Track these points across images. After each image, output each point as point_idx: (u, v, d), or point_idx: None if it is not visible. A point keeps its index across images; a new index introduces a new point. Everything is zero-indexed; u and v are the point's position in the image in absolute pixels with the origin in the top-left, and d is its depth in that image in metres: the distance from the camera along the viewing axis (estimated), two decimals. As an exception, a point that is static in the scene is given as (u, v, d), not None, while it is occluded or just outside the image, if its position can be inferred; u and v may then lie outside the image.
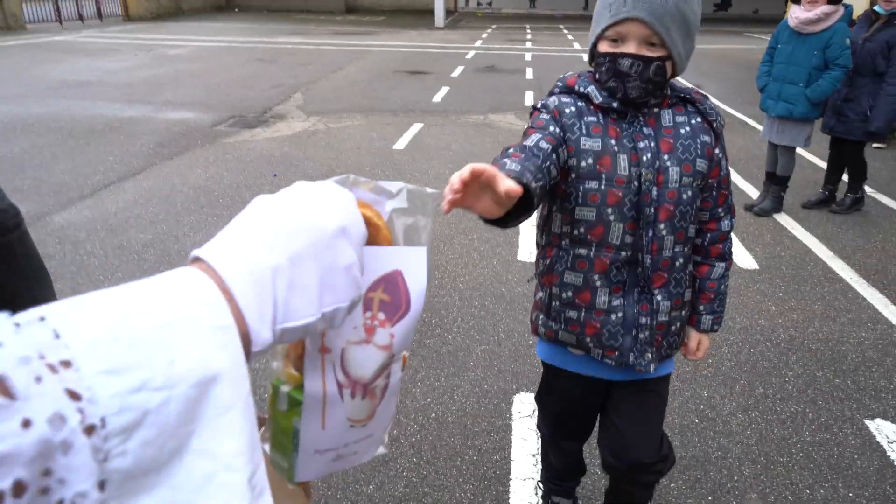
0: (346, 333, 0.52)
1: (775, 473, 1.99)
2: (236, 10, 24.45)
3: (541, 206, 1.39)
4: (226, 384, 0.35)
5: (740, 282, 3.24)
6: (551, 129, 1.21)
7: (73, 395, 0.29)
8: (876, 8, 3.70)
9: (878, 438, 2.13)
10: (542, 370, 1.57)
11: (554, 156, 1.17)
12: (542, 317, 1.40)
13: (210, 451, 0.34)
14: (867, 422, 2.22)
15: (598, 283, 1.27)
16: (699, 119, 1.26)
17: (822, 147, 4.70)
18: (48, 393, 0.28)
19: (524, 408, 2.29)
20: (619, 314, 1.29)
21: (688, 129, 1.24)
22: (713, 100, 2.36)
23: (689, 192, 1.23)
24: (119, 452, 0.30)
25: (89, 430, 0.29)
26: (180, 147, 5.60)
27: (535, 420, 2.22)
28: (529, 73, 10.07)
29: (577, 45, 14.32)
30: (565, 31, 17.97)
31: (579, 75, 1.29)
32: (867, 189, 4.55)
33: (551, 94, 1.31)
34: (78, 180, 4.68)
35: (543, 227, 1.40)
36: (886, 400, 2.34)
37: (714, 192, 1.31)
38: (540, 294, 1.41)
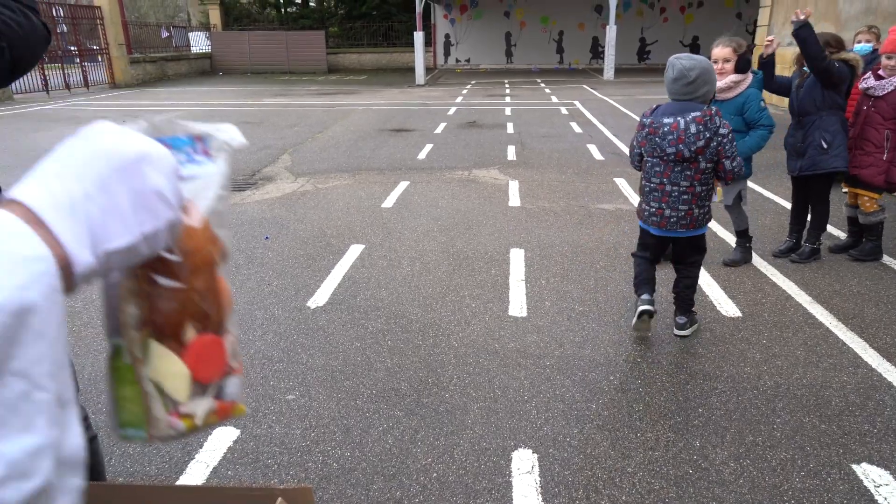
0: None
1: (770, 521, 2.05)
2: (220, 73, 25.05)
3: None
4: (40, 312, 0.38)
5: (725, 330, 3.35)
6: None
7: None
8: (805, 67, 4.04)
9: (866, 483, 2.21)
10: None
11: None
12: None
13: (25, 372, 0.37)
14: (854, 466, 2.29)
15: None
16: None
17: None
18: None
19: (523, 464, 2.34)
20: None
21: None
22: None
23: None
24: None
25: None
26: (172, 212, 5.69)
27: (534, 476, 2.27)
28: (510, 128, 10.40)
29: (554, 99, 14.82)
30: (542, 85, 18.61)
31: None
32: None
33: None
34: (71, 249, 4.73)
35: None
36: (871, 444, 2.42)
37: None
38: None
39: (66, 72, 17.49)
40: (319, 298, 3.81)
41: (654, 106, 3.11)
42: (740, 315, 3.52)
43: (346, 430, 2.56)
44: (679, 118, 2.93)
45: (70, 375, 0.43)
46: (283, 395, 2.81)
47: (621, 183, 6.55)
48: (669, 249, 3.45)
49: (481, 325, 3.45)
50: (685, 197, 3.02)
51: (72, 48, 18.47)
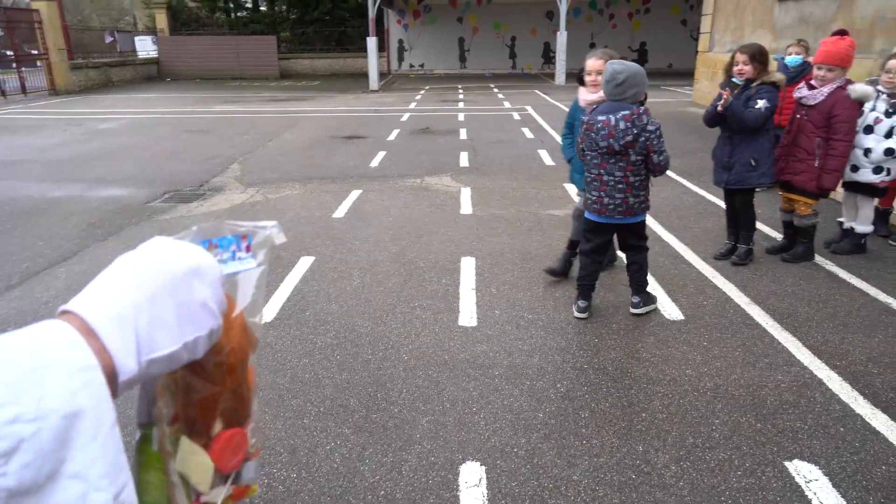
0: None
1: (708, 523, 2.11)
2: (168, 79, 24.40)
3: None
4: (90, 417, 0.41)
5: (668, 333, 3.44)
6: None
7: None
8: (733, 79, 4.17)
9: (797, 479, 2.30)
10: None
11: None
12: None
13: (80, 474, 0.40)
14: (786, 463, 2.38)
15: None
16: None
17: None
18: None
19: (470, 477, 2.35)
20: None
21: None
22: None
23: None
24: (1, 474, 0.37)
25: None
26: (114, 227, 5.52)
27: (482, 489, 2.28)
28: (463, 134, 10.46)
29: (507, 104, 14.98)
30: (496, 90, 18.78)
31: None
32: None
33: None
34: (4, 269, 4.53)
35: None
36: (802, 441, 2.52)
37: None
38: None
39: (1, 77, 16.73)
40: (267, 314, 3.74)
41: (595, 106, 3.48)
42: (683, 318, 3.63)
43: (293, 450, 2.52)
44: (611, 115, 3.30)
45: (129, 476, 0.46)
46: (229, 415, 2.74)
47: (570, 188, 6.66)
48: (612, 252, 3.78)
49: (431, 337, 3.45)
50: (620, 186, 3.39)
51: (8, 53, 17.69)
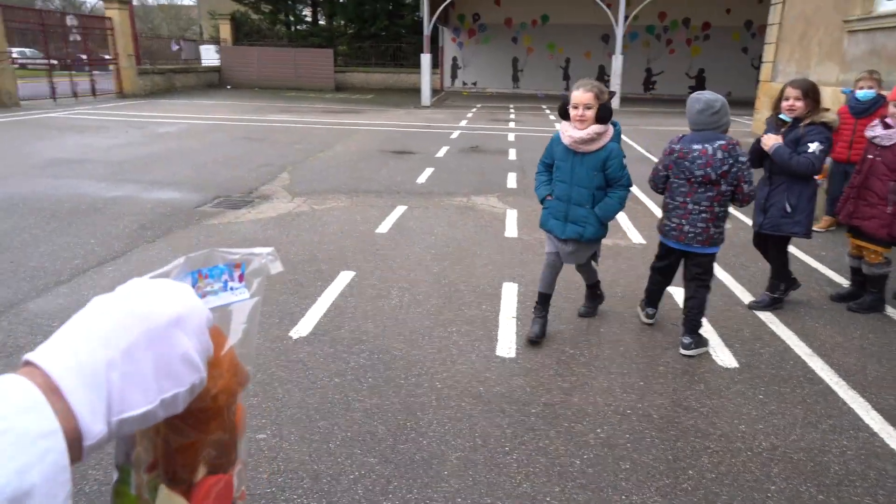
0: None
1: None
2: (229, 87, 25.20)
3: None
4: (41, 495, 0.37)
5: (720, 382, 3.22)
6: None
7: None
8: (781, 116, 3.88)
9: (865, 563, 2.06)
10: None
11: None
12: None
13: None
14: (853, 543, 2.15)
15: None
16: None
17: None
18: None
19: (500, 525, 2.20)
20: None
21: None
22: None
23: None
24: None
25: None
26: (163, 229, 5.61)
27: (510, 541, 2.13)
28: (513, 154, 10.35)
29: (558, 126, 14.77)
30: (547, 111, 18.64)
31: None
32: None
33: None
34: (56, 264, 4.63)
35: None
36: (871, 517, 2.28)
37: None
38: None
39: (74, 80, 17.57)
40: (303, 328, 3.69)
41: (681, 135, 3.48)
42: (737, 366, 3.39)
43: (316, 476, 2.42)
44: (707, 145, 3.31)
45: None
46: (254, 433, 2.68)
47: (620, 217, 6.45)
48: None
49: (467, 365, 3.32)
50: (704, 215, 3.38)
51: (82, 56, 18.59)
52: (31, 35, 17.56)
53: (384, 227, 5.86)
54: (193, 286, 0.57)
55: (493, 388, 3.11)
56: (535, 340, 3.56)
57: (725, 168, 3.28)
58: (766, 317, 4.03)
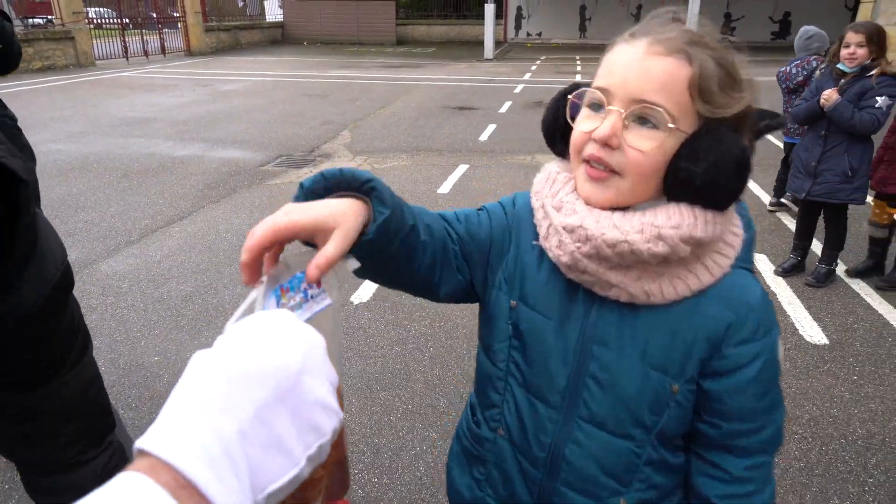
0: None
1: None
2: (304, 43, 25.21)
3: None
4: None
5: (808, 360, 2.96)
6: None
7: None
8: (840, 66, 3.39)
9: (981, 576, 1.85)
10: None
11: None
12: None
13: None
14: (966, 552, 1.93)
15: None
16: None
17: None
18: None
19: None
20: None
21: None
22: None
23: None
24: None
25: None
26: (227, 189, 5.67)
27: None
28: (579, 109, 9.89)
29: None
30: (616, 63, 17.72)
31: None
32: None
33: None
34: (127, 224, 4.76)
35: None
36: None
37: None
38: None
39: (144, 38, 18.01)
40: (364, 293, 3.64)
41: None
42: (827, 343, 3.11)
43: (377, 450, 2.39)
44: None
45: None
46: (316, 401, 2.66)
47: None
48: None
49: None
50: None
51: (153, 14, 19.00)
52: (104, -5, 18.02)
53: (446, 188, 5.72)
54: (278, 305, 0.53)
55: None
56: None
57: None
58: (862, 287, 3.68)
